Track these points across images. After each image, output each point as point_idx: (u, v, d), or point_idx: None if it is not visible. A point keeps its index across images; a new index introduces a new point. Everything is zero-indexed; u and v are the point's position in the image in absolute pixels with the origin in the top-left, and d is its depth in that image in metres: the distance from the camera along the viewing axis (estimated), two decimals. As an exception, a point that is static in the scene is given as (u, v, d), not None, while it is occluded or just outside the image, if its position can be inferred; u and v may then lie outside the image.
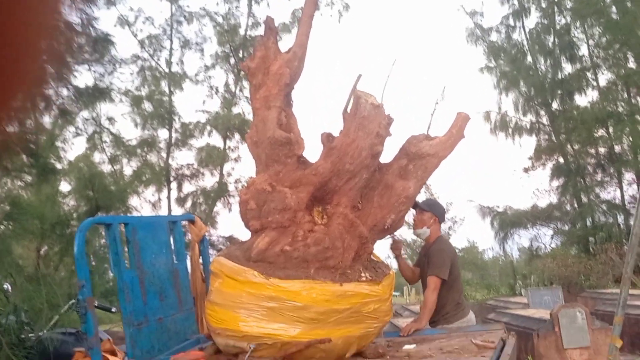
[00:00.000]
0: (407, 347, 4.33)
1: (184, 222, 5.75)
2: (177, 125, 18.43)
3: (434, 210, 5.35)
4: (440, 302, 5.14)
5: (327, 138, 4.30)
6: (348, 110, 4.42)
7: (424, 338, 4.70)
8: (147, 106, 18.04)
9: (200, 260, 5.37)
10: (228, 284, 4.10)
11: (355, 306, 4.07)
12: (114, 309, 5.21)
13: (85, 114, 16.62)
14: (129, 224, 4.58)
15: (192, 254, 5.29)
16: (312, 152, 4.54)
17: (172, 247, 5.13)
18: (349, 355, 4.16)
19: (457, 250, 5.36)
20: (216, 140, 18.66)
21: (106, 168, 16.83)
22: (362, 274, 4.21)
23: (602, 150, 19.89)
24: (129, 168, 17.73)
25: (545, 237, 20.44)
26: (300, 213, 4.25)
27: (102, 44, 7.77)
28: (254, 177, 4.51)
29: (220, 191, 17.97)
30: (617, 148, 19.33)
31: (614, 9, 18.76)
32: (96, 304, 5.21)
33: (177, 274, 5.00)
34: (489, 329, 4.81)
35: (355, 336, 4.13)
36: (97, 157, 17.13)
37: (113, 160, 17.26)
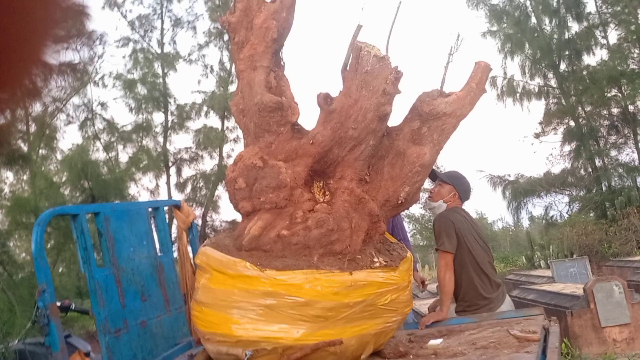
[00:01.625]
0: (432, 342, 3.67)
1: (167, 208, 5.07)
2: (172, 107, 17.70)
3: (456, 184, 4.65)
4: (457, 282, 4.47)
5: (324, 100, 3.61)
6: (347, 67, 3.71)
7: (450, 329, 4.04)
8: (141, 89, 17.30)
9: (190, 251, 4.71)
10: (216, 279, 3.45)
11: (370, 298, 3.41)
12: (73, 306, 4.56)
13: (75, 100, 15.93)
14: (99, 213, 3.91)
15: (180, 244, 4.62)
16: (309, 119, 3.87)
17: (155, 238, 4.46)
18: (364, 356, 3.52)
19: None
20: (214, 121, 17.97)
21: (101, 156, 16.16)
22: (375, 259, 3.55)
23: (615, 111, 19.06)
24: (124, 155, 17.06)
25: (560, 205, 19.71)
26: (298, 190, 3.58)
27: (75, 15, 7.02)
28: (241, 151, 3.82)
29: (221, 174, 17.25)
30: (631, 108, 18.51)
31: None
32: (72, 307, 4.56)
33: (161, 269, 4.35)
34: (525, 315, 4.14)
35: (371, 334, 3.48)
36: (90, 144, 16.43)
37: (108, 147, 16.57)
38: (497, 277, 4.66)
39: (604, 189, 18.89)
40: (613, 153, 19.15)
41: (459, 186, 4.68)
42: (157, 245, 4.55)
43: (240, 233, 3.61)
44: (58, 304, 4.57)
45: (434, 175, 4.61)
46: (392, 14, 3.84)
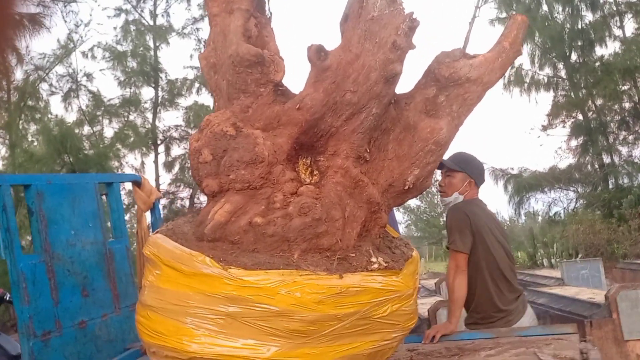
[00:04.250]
0: (440, 365, 2.91)
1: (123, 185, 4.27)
2: (163, 82, 16.79)
3: (469, 170, 3.86)
4: (470, 288, 3.69)
5: (316, 53, 2.83)
6: (348, 18, 2.92)
7: (461, 347, 3.29)
8: (130, 62, 16.39)
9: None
10: (168, 276, 2.68)
11: (364, 309, 2.65)
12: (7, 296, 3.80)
13: (60, 69, 15.04)
14: (30, 186, 3.12)
15: (139, 229, 3.85)
16: (296, 80, 3.10)
17: (105, 220, 3.68)
18: (354, 383, 2.73)
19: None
20: (205, 98, 17.08)
21: (85, 130, 15.26)
22: (373, 259, 2.77)
23: (627, 105, 18.23)
24: (110, 130, 16.16)
25: (565, 202, 18.91)
26: (278, 167, 2.81)
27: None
28: (209, 114, 3.03)
29: (212, 154, 16.36)
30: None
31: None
32: (7, 298, 3.82)
33: (111, 257, 3.58)
34: (555, 332, 3.38)
35: (364, 354, 2.73)
36: (73, 117, 15.55)
37: (92, 121, 15.66)
38: (517, 284, 3.90)
39: (610, 186, 18.12)
40: (623, 150, 18.34)
41: (473, 171, 3.89)
42: (110, 230, 3.78)
43: (203, 219, 2.84)
44: (-10, 293, 3.82)
45: (440, 165, 3.77)
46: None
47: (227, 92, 3.01)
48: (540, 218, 20.17)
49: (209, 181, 2.85)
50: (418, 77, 3.16)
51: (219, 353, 2.51)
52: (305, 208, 2.68)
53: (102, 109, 15.86)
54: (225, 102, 3.04)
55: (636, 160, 17.88)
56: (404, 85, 3.10)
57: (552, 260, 13.79)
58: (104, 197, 3.81)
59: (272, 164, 2.79)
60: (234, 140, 2.82)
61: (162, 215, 4.07)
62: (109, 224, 3.83)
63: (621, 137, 18.66)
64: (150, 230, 3.95)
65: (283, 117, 2.89)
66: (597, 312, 5.75)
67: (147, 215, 3.96)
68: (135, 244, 3.99)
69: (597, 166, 18.91)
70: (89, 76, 15.77)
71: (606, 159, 18.54)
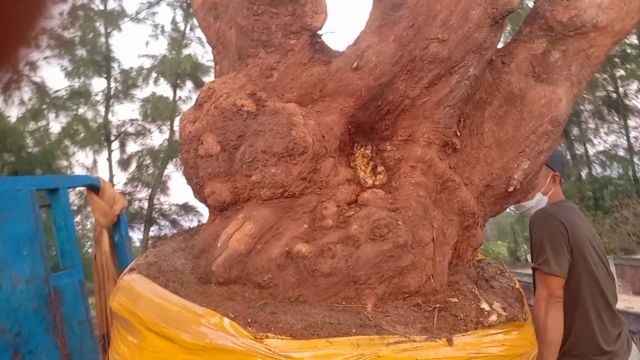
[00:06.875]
0: None
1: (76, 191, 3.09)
2: (116, 72, 15.35)
3: (549, 160, 2.84)
4: (565, 323, 2.66)
5: (386, -19, 1.76)
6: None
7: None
8: (79, 50, 14.92)
9: (115, 263, 2.79)
10: (153, 350, 1.61)
11: (482, 392, 1.60)
12: None
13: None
14: None
15: (98, 254, 2.70)
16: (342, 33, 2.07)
17: (45, 245, 2.52)
18: None
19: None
20: (164, 89, 15.79)
21: (29, 126, 13.74)
22: (484, 305, 1.73)
23: (600, 94, 17.64)
24: (57, 125, 14.66)
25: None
26: (328, 162, 1.77)
27: None
28: (212, 81, 1.92)
29: (172, 150, 15.05)
30: (621, 90, 17.13)
31: None
32: None
33: (57, 300, 2.43)
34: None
35: None
36: (14, 111, 14.05)
37: (36, 115, 14.10)
38: (618, 313, 2.91)
39: (583, 176, 17.53)
40: (597, 140, 17.77)
41: (554, 161, 2.87)
42: (56, 257, 2.65)
43: (206, 245, 1.75)
44: None
45: None
46: None
47: (238, 46, 1.93)
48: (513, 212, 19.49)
49: (215, 186, 1.77)
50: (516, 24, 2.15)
51: None
52: (381, 227, 1.63)
53: (48, 101, 14.34)
54: (234, 63, 1.97)
55: (610, 150, 17.32)
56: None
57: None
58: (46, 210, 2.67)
59: (318, 156, 1.73)
60: (255, 119, 1.76)
61: (128, 231, 2.94)
62: (53, 250, 2.68)
63: (594, 127, 18.10)
64: (115, 253, 2.83)
65: (330, 83, 1.83)
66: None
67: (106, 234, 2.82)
68: (93, 276, 2.84)
69: (569, 156, 18.33)
70: (31, 65, 14.26)
71: (579, 150, 17.95)
